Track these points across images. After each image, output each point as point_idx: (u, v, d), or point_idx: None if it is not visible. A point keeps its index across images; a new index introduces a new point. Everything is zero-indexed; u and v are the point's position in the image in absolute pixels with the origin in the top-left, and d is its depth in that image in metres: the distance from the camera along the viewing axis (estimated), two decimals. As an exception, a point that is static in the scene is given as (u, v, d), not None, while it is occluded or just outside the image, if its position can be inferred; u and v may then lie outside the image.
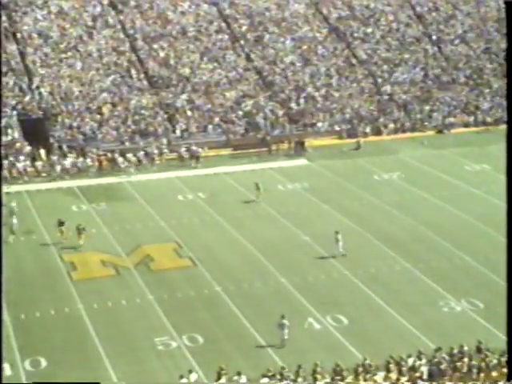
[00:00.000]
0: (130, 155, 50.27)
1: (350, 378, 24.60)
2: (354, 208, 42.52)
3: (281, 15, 66.82)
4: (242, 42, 63.96)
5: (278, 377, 24.82)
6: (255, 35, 64.60)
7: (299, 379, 24.56)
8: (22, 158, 49.18)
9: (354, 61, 64.08)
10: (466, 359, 25.40)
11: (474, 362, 25.38)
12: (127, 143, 53.06)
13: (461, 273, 34.18)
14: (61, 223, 37.24)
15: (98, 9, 64.17)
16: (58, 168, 48.57)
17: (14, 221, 38.64)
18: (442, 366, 25.24)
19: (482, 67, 65.10)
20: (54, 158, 49.65)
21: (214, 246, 37.51)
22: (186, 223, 40.49)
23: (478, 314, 30.37)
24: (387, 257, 35.86)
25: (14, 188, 46.11)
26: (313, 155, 52.71)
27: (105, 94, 56.69)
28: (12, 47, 58.95)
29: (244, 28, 65.20)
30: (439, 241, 37.46)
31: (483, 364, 25.33)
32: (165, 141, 53.32)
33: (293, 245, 37.40)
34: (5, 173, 47.43)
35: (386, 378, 24.67)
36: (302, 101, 59.31)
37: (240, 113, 57.28)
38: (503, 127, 53.24)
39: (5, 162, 48.45)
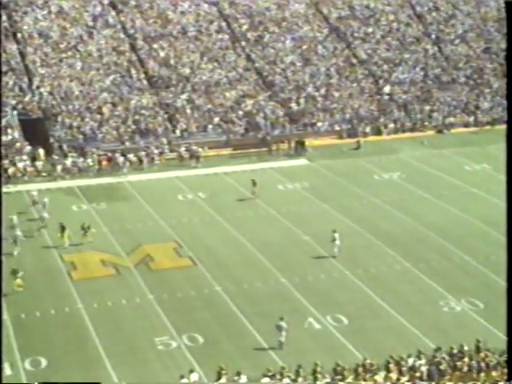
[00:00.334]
0: (131, 155, 50.32)
1: (350, 378, 24.58)
2: (354, 208, 42.52)
3: (281, 15, 66.83)
4: (242, 41, 63.96)
5: (279, 377, 24.82)
6: (255, 35, 64.60)
7: (299, 379, 24.56)
8: (24, 157, 49.18)
9: (354, 61, 64.08)
10: (466, 359, 25.39)
11: (474, 362, 25.38)
12: (127, 143, 53.04)
13: (461, 272, 34.19)
14: (62, 227, 37.11)
15: (99, 9, 64.18)
16: (59, 168, 48.56)
17: (45, 215, 39.55)
18: (442, 366, 25.25)
19: (482, 67, 65.10)
20: (56, 157, 49.60)
21: (214, 245, 37.51)
22: (186, 223, 40.49)
23: (477, 313, 30.37)
24: (387, 256, 35.87)
25: (14, 188, 46.11)
26: (313, 155, 52.71)
27: (105, 94, 56.69)
28: (12, 47, 58.95)
29: (244, 28, 65.20)
30: (439, 240, 37.47)
31: (483, 364, 25.34)
32: (165, 141, 53.32)
33: (293, 244, 37.40)
34: (6, 172, 47.59)
35: (386, 378, 24.66)
36: (302, 101, 59.30)
37: (240, 113, 57.27)
38: (500, 127, 53.43)
39: (5, 162, 48.47)
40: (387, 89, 61.67)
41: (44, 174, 48.59)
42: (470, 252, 35.93)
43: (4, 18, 61.00)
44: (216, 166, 50.23)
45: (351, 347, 27.96)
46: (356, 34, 66.32)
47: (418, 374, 24.91)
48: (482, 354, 25.78)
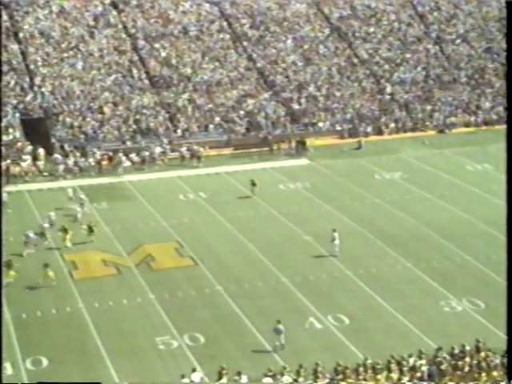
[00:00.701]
0: (132, 155, 50.37)
1: (352, 378, 24.57)
2: (355, 207, 42.52)
3: (282, 15, 66.84)
4: (244, 41, 63.95)
5: (279, 377, 24.82)
6: (257, 35, 64.61)
7: (300, 379, 24.55)
8: (27, 157, 49.18)
9: (355, 60, 64.08)
10: (467, 359, 25.38)
11: (475, 362, 25.36)
12: (128, 143, 53.06)
13: (462, 272, 34.17)
14: (65, 230, 37.05)
15: (100, 8, 64.22)
16: (61, 167, 48.57)
17: (79, 209, 40.31)
18: (443, 366, 25.23)
19: (483, 67, 65.07)
20: (59, 157, 49.57)
21: (215, 245, 37.52)
22: (188, 223, 40.49)
23: (479, 313, 30.36)
24: (388, 256, 35.86)
25: (15, 187, 46.16)
26: (314, 155, 52.70)
27: (106, 94, 56.71)
28: (14, 47, 58.99)
29: (245, 27, 65.21)
30: (440, 240, 37.45)
31: (484, 364, 25.32)
32: (166, 140, 53.32)
33: (294, 244, 37.40)
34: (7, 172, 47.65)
35: (387, 378, 24.64)
36: (303, 100, 59.30)
37: (241, 112, 57.27)
38: (500, 127, 53.36)
39: (7, 162, 48.49)
40: (388, 88, 61.63)
41: (45, 173, 48.59)
42: (471, 252, 35.91)
43: (5, 17, 61.09)
44: (217, 166, 50.23)
45: (352, 347, 27.95)
46: (357, 34, 66.32)
47: (418, 374, 24.89)
48: (483, 354, 25.76)
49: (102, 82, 57.69)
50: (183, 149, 51.83)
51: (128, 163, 49.93)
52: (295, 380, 24.47)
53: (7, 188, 45.11)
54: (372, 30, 66.92)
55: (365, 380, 24.51)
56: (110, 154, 50.54)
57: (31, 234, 37.00)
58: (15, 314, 30.47)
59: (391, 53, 65.12)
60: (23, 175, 47.74)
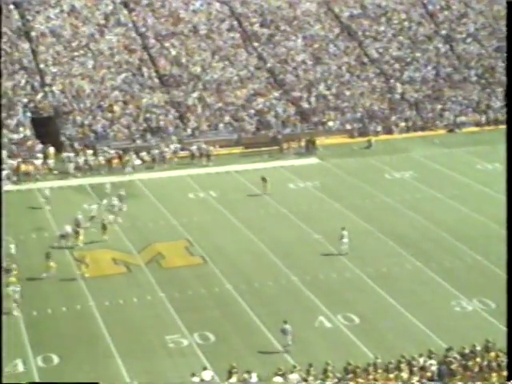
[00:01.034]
0: (143, 153, 50.49)
1: (362, 377, 24.55)
2: (365, 207, 42.46)
3: (292, 14, 66.80)
4: (254, 40, 63.95)
5: (289, 375, 24.82)
6: (267, 34, 64.58)
7: (310, 378, 24.53)
8: (40, 155, 49.32)
9: (365, 59, 63.98)
10: (478, 359, 25.31)
11: (485, 362, 25.30)
12: (138, 141, 53.12)
13: (473, 272, 34.09)
14: (76, 231, 37.13)
15: (110, 7, 64.34)
16: (72, 166, 48.68)
17: (116, 203, 40.64)
18: (453, 366, 25.17)
19: (493, 66, 64.84)
20: (70, 155, 49.65)
21: (225, 244, 37.54)
22: (197, 221, 40.53)
23: (489, 313, 30.27)
24: (399, 256, 35.80)
25: (26, 186, 46.33)
26: (324, 154, 52.65)
27: (116, 92, 56.81)
28: (25, 46, 59.19)
29: (255, 26, 65.20)
30: (451, 240, 37.36)
31: (494, 364, 25.25)
32: (176, 139, 53.36)
33: (304, 243, 37.38)
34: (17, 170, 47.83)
35: (397, 378, 24.61)
36: (313, 99, 59.26)
37: (251, 111, 57.27)
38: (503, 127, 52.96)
39: (18, 160, 48.66)
40: (398, 87, 61.51)
41: (55, 171, 48.71)
42: (482, 251, 35.80)
43: (17, 17, 61.37)
44: (227, 165, 50.24)
45: (362, 346, 27.93)
46: (367, 33, 66.20)
47: (428, 374, 24.84)
48: (493, 354, 25.69)
49: (112, 80, 57.78)
50: (193, 147, 51.87)
51: (138, 162, 50.01)
52: (305, 379, 24.46)
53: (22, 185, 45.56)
54: (382, 28, 66.79)
55: (375, 380, 24.48)
56: (120, 152, 50.62)
57: (68, 228, 37.29)
58: (26, 311, 30.58)
59: (401, 52, 64.98)
60: (35, 173, 47.81)
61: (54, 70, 57.71)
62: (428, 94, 61.58)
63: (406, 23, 67.74)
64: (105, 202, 41.38)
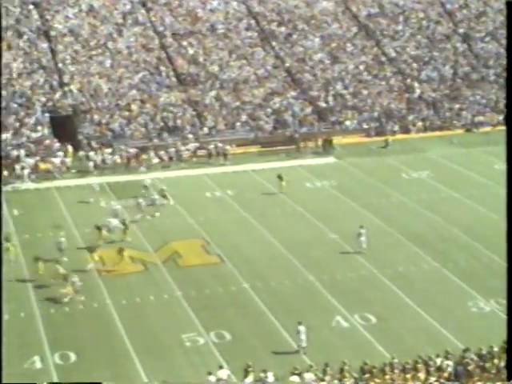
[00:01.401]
0: (161, 152, 50.71)
1: (378, 377, 24.51)
2: (382, 206, 42.37)
3: (310, 13, 66.75)
4: (271, 39, 63.95)
5: (305, 374, 24.82)
6: (284, 33, 64.58)
7: (326, 377, 24.52)
8: (60, 153, 49.55)
9: (383, 58, 63.82)
10: (495, 360, 25.19)
11: (502, 364, 25.17)
12: (155, 140, 53.28)
13: (490, 273, 33.90)
14: (98, 228, 37.27)
15: (128, 6, 64.60)
16: (91, 164, 48.91)
17: (161, 201, 41.58)
18: (470, 367, 25.07)
19: (512, 65, 64.39)
20: (91, 154, 49.87)
21: (242, 242, 37.59)
22: (214, 220, 40.59)
23: (507, 314, 30.06)
24: (416, 256, 35.70)
25: (45, 184, 46.63)
26: (341, 153, 52.58)
27: (134, 91, 57.04)
28: (44, 45, 59.57)
29: (273, 25, 65.20)
30: (468, 240, 37.21)
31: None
32: (193, 138, 53.48)
33: (321, 242, 37.36)
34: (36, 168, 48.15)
35: (413, 378, 24.55)
36: (330, 98, 59.17)
37: (268, 110, 57.29)
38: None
39: (36, 159, 48.98)
40: (416, 87, 61.31)
41: (73, 170, 48.96)
42: (499, 252, 35.44)
43: (36, 16, 61.78)
44: (244, 164, 50.28)
45: (379, 346, 27.88)
46: (385, 32, 66.05)
47: (445, 375, 24.76)
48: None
49: (129, 79, 58.02)
50: (210, 146, 51.96)
51: (156, 160, 50.21)
52: (321, 379, 24.45)
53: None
54: (400, 27, 66.59)
55: (392, 380, 24.44)
56: (137, 151, 50.78)
57: (114, 222, 37.77)
58: (44, 309, 30.78)
59: (419, 51, 64.75)
60: (55, 172, 48.06)
61: (72, 69, 58.02)
62: (446, 94, 61.33)
63: (423, 22, 67.50)
64: (140, 200, 41.45)
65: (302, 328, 27.61)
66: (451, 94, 61.31)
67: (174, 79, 59.07)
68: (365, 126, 57.52)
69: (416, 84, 61.59)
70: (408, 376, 24.71)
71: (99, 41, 60.87)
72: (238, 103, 57.56)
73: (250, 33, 64.10)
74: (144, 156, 50.20)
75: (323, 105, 58.70)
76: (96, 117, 54.34)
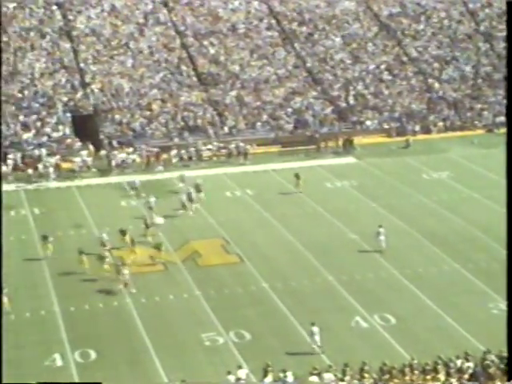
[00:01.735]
0: (183, 151, 50.98)
1: (398, 378, 24.42)
2: (402, 206, 42.23)
3: (331, 12, 66.70)
4: (292, 39, 63.93)
5: (324, 374, 24.79)
6: (305, 32, 64.54)
7: (346, 378, 24.48)
8: (84, 152, 49.86)
9: (404, 58, 63.59)
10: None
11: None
12: (176, 139, 53.44)
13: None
14: (122, 231, 37.22)
15: (150, 6, 64.88)
16: (113, 163, 49.14)
17: (198, 197, 42.09)
18: (491, 370, 24.89)
19: (535, 65, 63.90)
20: (115, 153, 50.11)
21: (262, 242, 37.61)
22: (234, 219, 40.65)
23: (528, 316, 29.87)
24: (435, 256, 35.55)
25: (66, 183, 46.95)
26: (361, 153, 52.45)
27: (155, 91, 57.27)
28: (66, 45, 59.96)
29: (294, 25, 65.19)
30: (489, 241, 36.96)
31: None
32: (213, 137, 53.59)
33: (340, 243, 37.31)
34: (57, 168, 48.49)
35: (433, 379, 24.44)
36: (351, 98, 59.06)
37: (289, 110, 57.27)
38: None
39: (56, 158, 49.30)
40: (437, 87, 61.03)
41: (94, 169, 49.21)
42: (521, 253, 35.34)
43: (59, 17, 62.24)
44: (264, 163, 50.31)
45: (398, 347, 27.79)
46: (406, 32, 65.82)
47: (466, 376, 24.62)
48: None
49: (150, 79, 58.25)
50: (231, 146, 52.04)
51: (176, 160, 50.40)
52: (341, 379, 24.42)
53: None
54: (421, 27, 66.35)
55: (411, 381, 24.36)
56: (158, 150, 50.99)
57: (159, 219, 38.37)
58: (64, 306, 30.99)
59: (441, 50, 64.46)
60: (79, 170, 48.35)
61: (93, 68, 58.37)
62: (467, 94, 60.98)
63: (445, 22, 67.19)
64: (182, 195, 41.95)
65: (315, 329, 27.56)
66: (472, 94, 60.94)
67: (194, 79, 59.22)
68: (385, 126, 57.35)
69: (437, 84, 61.31)
70: (428, 377, 24.58)
71: (121, 40, 61.18)
72: (258, 103, 57.60)
73: (270, 32, 64.12)
74: (164, 155, 50.40)
75: (344, 105, 58.61)
76: (117, 116, 54.61)
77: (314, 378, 24.59)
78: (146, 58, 60.05)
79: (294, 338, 28.56)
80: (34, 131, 52.21)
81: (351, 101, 58.91)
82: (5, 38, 58.99)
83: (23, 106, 54.16)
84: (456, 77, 62.28)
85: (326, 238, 37.93)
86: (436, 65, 63.12)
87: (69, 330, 29.27)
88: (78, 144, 51.48)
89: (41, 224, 40.05)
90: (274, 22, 65.39)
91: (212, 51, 61.57)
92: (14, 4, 62.33)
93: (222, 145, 52.54)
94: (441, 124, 58.08)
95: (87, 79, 57.43)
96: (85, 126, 53.14)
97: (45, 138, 51.82)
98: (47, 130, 52.51)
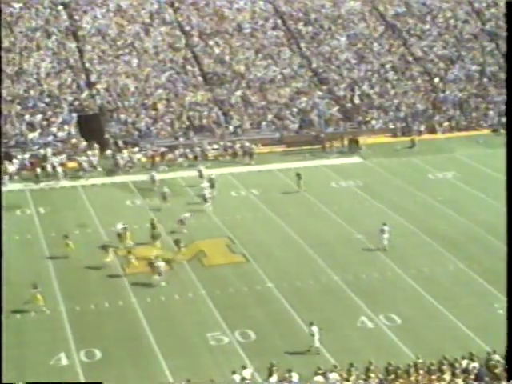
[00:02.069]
0: (187, 151, 51.00)
1: (403, 378, 24.41)
2: (407, 206, 42.19)
3: (337, 12, 66.65)
4: (298, 38, 63.92)
5: (329, 374, 24.77)
6: (311, 32, 64.52)
7: (352, 377, 24.47)
8: (90, 152, 49.91)
9: (409, 58, 63.52)
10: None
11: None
12: (181, 139, 53.46)
13: (517, 274, 33.59)
14: (124, 228, 37.32)
15: (156, 6, 64.92)
16: (122, 162, 49.16)
17: (212, 192, 42.82)
18: (497, 370, 24.85)
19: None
20: (123, 153, 50.13)
21: (267, 242, 37.62)
22: (239, 219, 40.66)
23: (533, 316, 29.81)
24: (441, 257, 35.52)
25: (71, 182, 47.00)
26: (367, 153, 52.40)
27: (160, 90, 57.28)
28: (71, 45, 60.01)
29: (299, 25, 65.17)
30: (494, 241, 36.85)
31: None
32: (218, 137, 53.60)
33: (346, 242, 37.30)
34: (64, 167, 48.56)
35: (439, 379, 24.41)
36: (356, 98, 59.00)
37: (294, 110, 57.25)
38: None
39: (62, 157, 49.35)
40: (442, 86, 60.94)
41: (99, 169, 49.24)
42: (527, 253, 35.27)
43: (65, 17, 62.32)
44: (269, 163, 50.32)
45: (404, 347, 27.77)
46: (412, 32, 65.76)
47: (472, 377, 24.58)
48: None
49: (156, 78, 58.28)
50: (236, 146, 52.06)
51: (181, 159, 50.44)
52: (346, 379, 24.41)
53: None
54: (427, 27, 66.28)
55: (417, 381, 24.33)
56: (163, 149, 51.02)
57: (187, 214, 38.74)
58: (69, 306, 31.04)
59: (446, 50, 64.38)
60: (83, 170, 48.38)
61: (99, 68, 58.41)
62: (473, 93, 60.88)
63: (451, 21, 67.11)
64: (205, 191, 42.37)
65: (314, 328, 27.58)
66: (478, 94, 60.83)
67: (200, 79, 59.24)
68: (391, 126, 57.30)
69: (442, 84, 61.22)
70: (433, 377, 24.55)
71: (126, 40, 61.22)
72: (263, 103, 57.60)
73: (276, 32, 64.12)
74: (170, 155, 50.44)
75: (349, 104, 58.56)
76: (122, 116, 54.66)
77: (319, 378, 24.57)
78: (152, 58, 60.08)
79: (299, 337, 28.54)
80: (39, 131, 52.27)
81: (356, 100, 58.86)
82: (11, 38, 59.13)
83: (29, 105, 54.22)
84: (461, 76, 62.20)
85: (332, 237, 37.92)
86: (441, 64, 63.04)
87: (74, 330, 29.31)
88: (84, 144, 51.50)
89: (46, 223, 40.10)
90: (279, 21, 65.38)
91: (217, 51, 61.59)
92: (21, 4, 62.40)
93: (229, 144, 52.52)
94: (446, 124, 58.00)
95: (93, 79, 57.47)
96: (90, 126, 53.18)
97: (50, 138, 51.88)
98: (53, 129, 52.56)
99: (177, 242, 35.62)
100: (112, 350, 27.91)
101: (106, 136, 52.95)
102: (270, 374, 25.06)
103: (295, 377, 24.78)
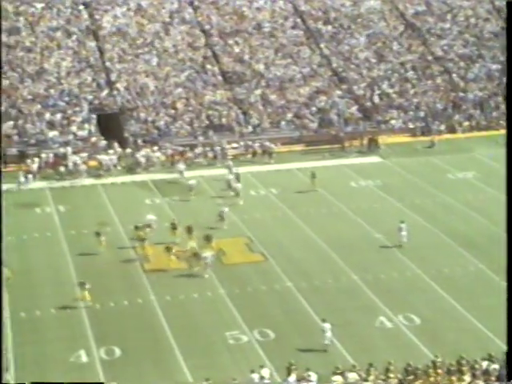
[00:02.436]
0: (207, 149, 51.27)
1: (422, 379, 24.33)
2: (427, 206, 42.03)
3: (356, 11, 66.47)
4: (317, 38, 63.82)
5: (347, 374, 24.74)
6: (330, 31, 64.40)
7: (370, 377, 24.43)
8: (111, 151, 50.12)
9: (429, 57, 63.23)
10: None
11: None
12: (201, 138, 53.53)
13: (537, 275, 33.38)
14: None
15: (175, 5, 65.07)
16: (143, 161, 49.30)
17: (239, 185, 43.50)
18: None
19: None
20: (143, 152, 50.26)
21: (286, 241, 37.62)
22: (258, 218, 40.69)
23: (554, 317, 29.61)
24: (461, 257, 35.36)
25: (92, 181, 47.25)
26: (386, 152, 52.24)
27: (179, 89, 57.40)
28: (91, 44, 60.28)
29: (319, 24, 65.06)
30: (515, 242, 36.64)
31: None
32: (238, 136, 53.65)
33: (365, 242, 37.22)
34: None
35: (459, 380, 24.30)
36: (375, 97, 58.83)
37: (313, 109, 57.19)
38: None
39: (81, 156, 49.55)
40: (463, 86, 60.62)
41: (119, 167, 49.41)
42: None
43: (85, 16, 62.62)
44: (288, 162, 50.28)
45: (423, 347, 27.68)
46: (432, 30, 65.44)
47: (492, 379, 24.45)
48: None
49: (175, 77, 58.41)
50: (255, 145, 52.08)
51: (200, 158, 50.55)
52: (365, 379, 24.37)
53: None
54: (447, 26, 65.92)
55: (436, 381, 24.23)
56: (182, 149, 51.13)
57: (225, 209, 39.21)
58: (89, 304, 31.14)
59: (466, 49, 64.01)
60: (103, 169, 48.59)
61: (119, 67, 58.62)
62: (493, 92, 60.49)
63: (472, 20, 66.71)
64: (237, 185, 43.29)
65: (327, 325, 27.57)
66: (498, 93, 60.42)
67: (219, 77, 59.30)
68: (410, 126, 57.07)
69: (462, 83, 60.90)
70: (453, 378, 24.43)
71: (146, 39, 61.41)
72: (283, 102, 57.56)
73: (295, 31, 64.06)
74: (189, 154, 50.55)
75: (369, 104, 58.41)
76: (142, 115, 54.83)
77: (338, 378, 24.55)
78: (171, 57, 60.22)
79: (318, 337, 28.46)
80: (59, 129, 52.56)
81: (376, 100, 58.68)
82: (32, 38, 59.53)
83: (49, 104, 54.53)
84: (482, 75, 61.83)
85: (351, 237, 37.85)
86: (462, 63, 62.68)
87: (94, 327, 29.46)
88: (104, 142, 51.74)
89: (66, 221, 40.32)
90: (299, 20, 65.31)
91: (237, 50, 61.62)
92: (43, 4, 62.82)
93: (249, 143, 52.54)
94: (466, 123, 57.68)
95: (113, 78, 57.71)
96: (110, 125, 53.40)
97: (70, 137, 52.13)
98: (73, 128, 52.82)
99: (207, 238, 35.75)
100: (131, 348, 28.02)
101: (126, 135, 53.15)
102: (289, 374, 25.05)
103: (314, 376, 24.76)
